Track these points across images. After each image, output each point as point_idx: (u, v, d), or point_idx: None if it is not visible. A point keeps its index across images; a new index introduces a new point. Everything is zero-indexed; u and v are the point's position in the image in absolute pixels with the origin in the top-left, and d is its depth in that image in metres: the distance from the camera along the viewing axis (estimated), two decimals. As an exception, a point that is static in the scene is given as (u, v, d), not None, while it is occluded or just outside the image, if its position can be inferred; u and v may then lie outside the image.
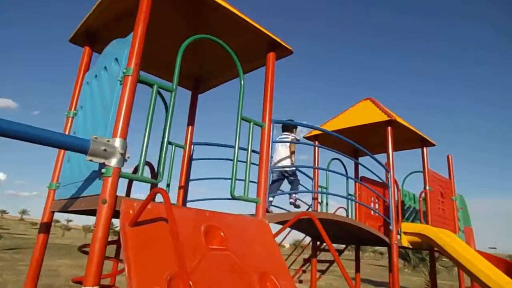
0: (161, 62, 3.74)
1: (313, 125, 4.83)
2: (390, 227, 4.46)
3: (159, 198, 2.52)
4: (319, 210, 5.30)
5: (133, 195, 3.73)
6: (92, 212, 2.14)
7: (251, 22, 2.95)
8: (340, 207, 6.25)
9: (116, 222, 2.33)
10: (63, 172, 2.89)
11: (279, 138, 5.06)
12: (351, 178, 5.16)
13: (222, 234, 2.27)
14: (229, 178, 2.74)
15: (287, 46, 3.21)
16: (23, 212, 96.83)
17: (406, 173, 7.13)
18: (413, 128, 5.18)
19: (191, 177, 4.04)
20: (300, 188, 4.84)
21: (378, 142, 6.20)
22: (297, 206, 4.65)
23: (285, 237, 6.53)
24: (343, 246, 6.15)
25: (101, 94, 2.64)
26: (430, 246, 4.89)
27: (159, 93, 3.74)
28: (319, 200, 5.45)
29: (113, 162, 2.06)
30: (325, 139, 5.77)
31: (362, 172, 6.63)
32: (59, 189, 2.86)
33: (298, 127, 5.15)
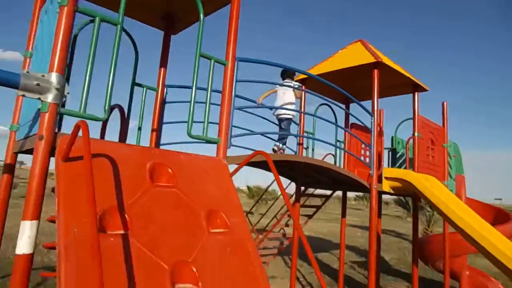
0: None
1: (298, 69, 4.62)
2: (371, 172, 4.41)
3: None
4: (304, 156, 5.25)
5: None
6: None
7: None
8: (328, 154, 6.20)
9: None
10: (22, 113, 2.85)
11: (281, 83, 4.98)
12: (336, 125, 5.03)
13: (170, 171, 2.24)
14: (202, 122, 2.70)
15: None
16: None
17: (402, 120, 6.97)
18: (402, 71, 4.93)
19: (165, 120, 3.97)
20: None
21: (370, 87, 5.99)
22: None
23: (270, 184, 6.56)
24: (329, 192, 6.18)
25: (48, 30, 2.51)
26: (414, 192, 4.85)
27: (125, 31, 3.63)
28: (305, 146, 5.38)
29: (50, 97, 1.98)
30: (314, 84, 5.57)
31: (354, 119, 6.49)
32: (19, 130, 2.84)
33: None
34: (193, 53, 2.77)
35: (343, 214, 6.03)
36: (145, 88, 3.74)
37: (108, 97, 2.23)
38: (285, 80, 5.08)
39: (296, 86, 4.97)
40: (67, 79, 3.06)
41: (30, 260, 1.82)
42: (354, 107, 6.77)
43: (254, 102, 3.66)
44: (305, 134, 5.58)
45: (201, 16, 2.75)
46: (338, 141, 6.03)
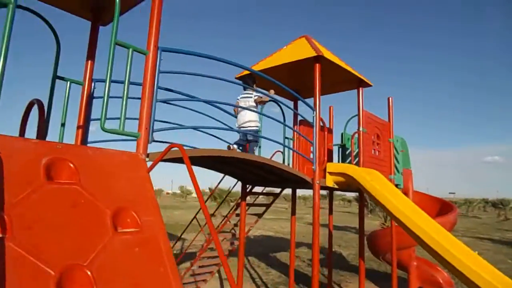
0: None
1: (240, 64, 4.48)
2: (313, 167, 4.37)
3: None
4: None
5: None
6: None
7: None
8: (277, 151, 6.14)
9: None
10: None
11: (241, 96, 4.85)
12: (280, 122, 4.96)
13: (72, 167, 2.03)
14: (136, 118, 2.52)
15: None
16: None
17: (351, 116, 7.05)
18: (344, 66, 4.95)
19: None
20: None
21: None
22: None
23: (218, 183, 6.40)
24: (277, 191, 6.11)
25: None
26: (358, 186, 4.87)
27: (44, 19, 3.34)
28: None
29: None
30: (260, 80, 5.47)
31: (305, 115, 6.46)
32: None
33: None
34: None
35: (293, 212, 5.99)
36: (68, 82, 3.48)
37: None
38: (246, 91, 4.88)
39: (256, 96, 4.77)
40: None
41: None
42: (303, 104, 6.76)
43: (186, 95, 3.48)
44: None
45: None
46: (287, 138, 5.99)
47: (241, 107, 4.57)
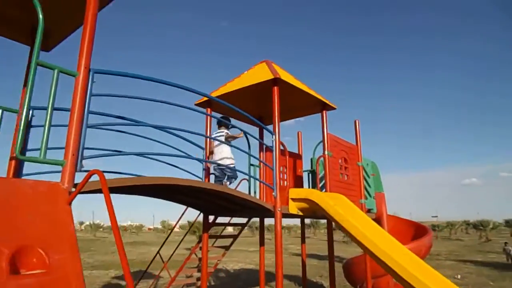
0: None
1: (197, 90, 4.30)
2: (273, 194, 4.15)
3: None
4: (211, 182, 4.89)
5: None
6: None
7: None
8: (243, 179, 5.91)
9: None
10: None
11: (215, 134, 5.11)
12: (242, 150, 4.79)
13: (-35, 201, 1.76)
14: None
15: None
16: None
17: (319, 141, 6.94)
18: (305, 89, 4.87)
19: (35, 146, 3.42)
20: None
21: (283, 110, 5.89)
22: None
23: (197, 216, 6.07)
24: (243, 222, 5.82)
25: None
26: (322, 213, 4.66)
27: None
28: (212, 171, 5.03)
29: None
30: (221, 107, 5.33)
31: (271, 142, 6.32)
32: None
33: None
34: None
35: (261, 243, 5.68)
36: (1, 110, 3.22)
37: None
38: (220, 129, 5.16)
39: (225, 134, 5.07)
40: None
41: None
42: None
43: (125, 118, 3.24)
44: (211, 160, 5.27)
45: (40, 15, 2.38)
46: (252, 165, 5.79)
47: (218, 140, 4.79)
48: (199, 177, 4.81)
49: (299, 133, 6.99)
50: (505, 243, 17.36)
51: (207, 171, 4.83)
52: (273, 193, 4.14)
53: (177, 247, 6.61)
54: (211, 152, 5.16)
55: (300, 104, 5.43)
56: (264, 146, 5.82)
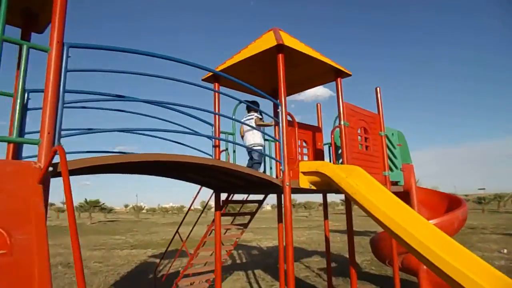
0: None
1: (201, 65, 4.09)
2: (281, 168, 3.93)
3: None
4: (222, 160, 4.75)
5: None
6: None
7: None
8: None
9: None
10: None
11: (244, 118, 5.28)
12: (254, 128, 4.57)
13: None
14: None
15: None
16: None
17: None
18: (314, 55, 4.51)
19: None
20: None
21: (295, 80, 5.58)
22: None
23: (210, 198, 5.99)
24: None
25: None
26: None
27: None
28: (223, 148, 4.89)
29: None
30: (229, 81, 5.11)
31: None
32: None
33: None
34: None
35: (279, 219, 5.51)
36: (-5, 94, 3.21)
37: None
38: (250, 113, 5.36)
39: (255, 117, 5.24)
40: None
41: None
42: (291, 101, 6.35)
43: (105, 94, 3.08)
44: (225, 136, 5.11)
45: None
46: (267, 140, 5.58)
47: (248, 125, 4.74)
48: (209, 154, 4.68)
49: (318, 105, 6.65)
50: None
51: (217, 148, 4.69)
52: (281, 167, 3.92)
53: (178, 228, 6.68)
54: (242, 136, 5.41)
55: (312, 72, 5.09)
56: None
